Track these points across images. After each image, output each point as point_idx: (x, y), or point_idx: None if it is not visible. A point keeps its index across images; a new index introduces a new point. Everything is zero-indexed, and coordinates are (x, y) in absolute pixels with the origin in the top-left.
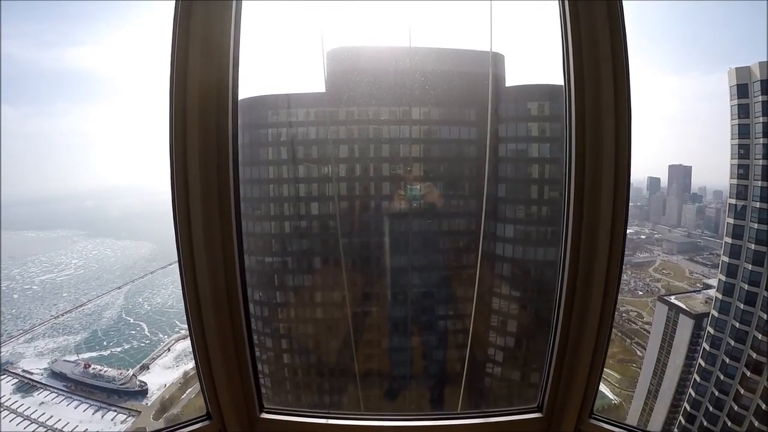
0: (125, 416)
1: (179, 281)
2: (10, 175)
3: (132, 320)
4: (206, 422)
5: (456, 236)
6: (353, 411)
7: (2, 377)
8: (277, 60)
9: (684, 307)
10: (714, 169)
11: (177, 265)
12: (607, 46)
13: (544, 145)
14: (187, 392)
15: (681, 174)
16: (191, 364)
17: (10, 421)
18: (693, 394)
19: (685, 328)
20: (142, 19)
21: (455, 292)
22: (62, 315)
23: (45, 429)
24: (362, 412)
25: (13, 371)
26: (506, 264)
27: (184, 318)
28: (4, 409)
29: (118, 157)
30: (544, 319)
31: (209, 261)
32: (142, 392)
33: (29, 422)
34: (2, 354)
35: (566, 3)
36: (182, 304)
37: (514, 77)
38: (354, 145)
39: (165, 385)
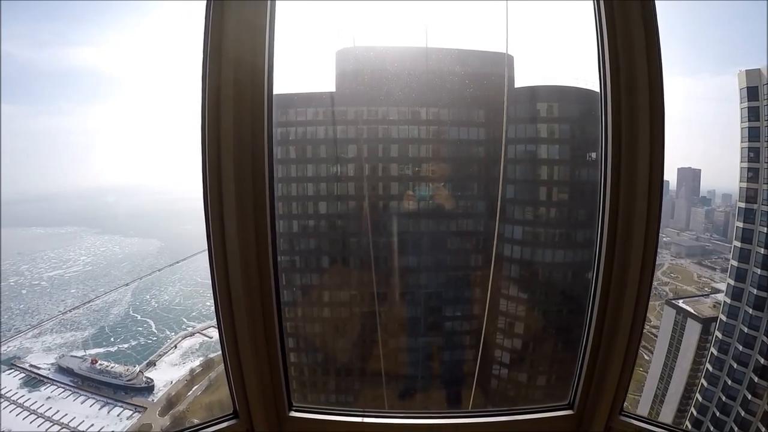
0: (131, 412)
1: (187, 279)
2: (15, 173)
3: (139, 317)
4: (232, 421)
5: (468, 237)
6: (382, 409)
7: (9, 372)
8: (287, 59)
9: (692, 311)
10: (723, 172)
11: (183, 263)
12: (642, 45)
13: (552, 146)
14: (193, 389)
15: (690, 177)
16: (198, 362)
17: (16, 416)
18: (700, 398)
19: (692, 332)
20: (149, 18)
21: (476, 293)
22: (70, 311)
23: (51, 423)
24: (391, 410)
25: (21, 366)
26: (515, 265)
27: (191, 315)
28: (11, 403)
29: (128, 155)
30: (553, 321)
31: (243, 256)
32: (149, 389)
33: (36, 416)
34: (10, 349)
35: (601, 3)
36: (189, 301)
37: (522, 78)
38: (363, 144)
39: (171, 382)
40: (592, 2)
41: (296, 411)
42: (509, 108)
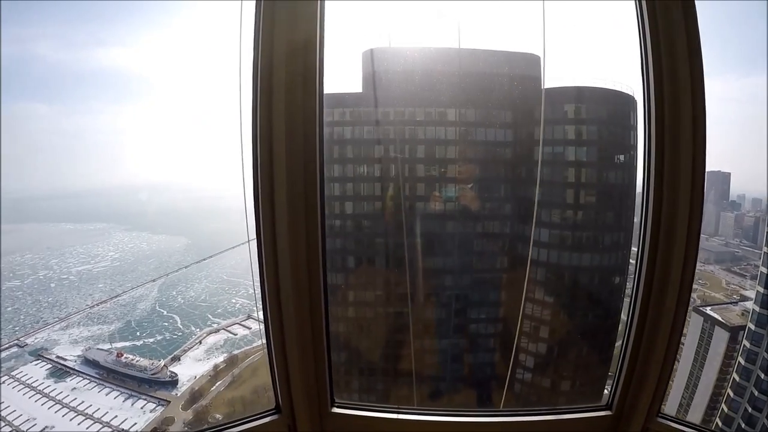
0: (155, 405)
1: (213, 276)
2: (46, 170)
3: (165, 312)
4: (275, 416)
5: (495, 238)
6: (423, 407)
7: (36, 362)
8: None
9: (720, 318)
10: (754, 176)
11: (210, 260)
12: (683, 44)
13: (580, 148)
14: (216, 385)
15: (719, 181)
16: (222, 358)
17: (41, 405)
18: (725, 409)
19: (720, 340)
20: (180, 18)
21: (504, 295)
22: (97, 305)
23: (75, 414)
24: (427, 407)
25: (48, 357)
26: (541, 268)
27: (217, 312)
28: (36, 393)
29: (158, 154)
30: (580, 324)
31: (293, 255)
32: (173, 383)
33: (60, 406)
34: (37, 340)
35: (643, 3)
36: (215, 298)
37: (549, 79)
38: (389, 145)
39: (195, 377)
40: (633, 2)
41: (338, 407)
42: (536, 109)
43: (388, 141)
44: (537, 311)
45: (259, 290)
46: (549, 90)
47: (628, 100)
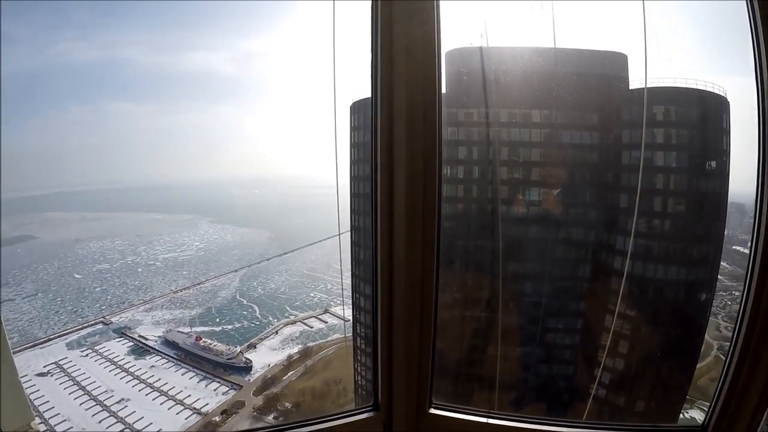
0: (227, 388)
1: (293, 270)
2: (139, 164)
3: (245, 301)
4: (371, 413)
5: (578, 246)
6: (517, 413)
7: (119, 339)
8: None
9: None
10: None
11: (292, 254)
12: None
13: (669, 153)
14: (288, 374)
15: None
16: (296, 349)
17: (120, 379)
18: None
19: None
20: (272, 21)
21: (588, 304)
22: (181, 290)
23: (151, 390)
24: (526, 415)
25: (130, 335)
26: (625, 280)
27: (295, 304)
28: (116, 367)
29: (247, 151)
30: (662, 341)
31: (408, 252)
32: (246, 369)
33: (138, 381)
34: (122, 320)
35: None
36: (294, 291)
37: (636, 79)
38: (473, 147)
39: (269, 365)
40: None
41: (435, 408)
42: (623, 111)
43: (471, 142)
44: (618, 324)
45: (347, 282)
46: (635, 90)
47: (720, 102)
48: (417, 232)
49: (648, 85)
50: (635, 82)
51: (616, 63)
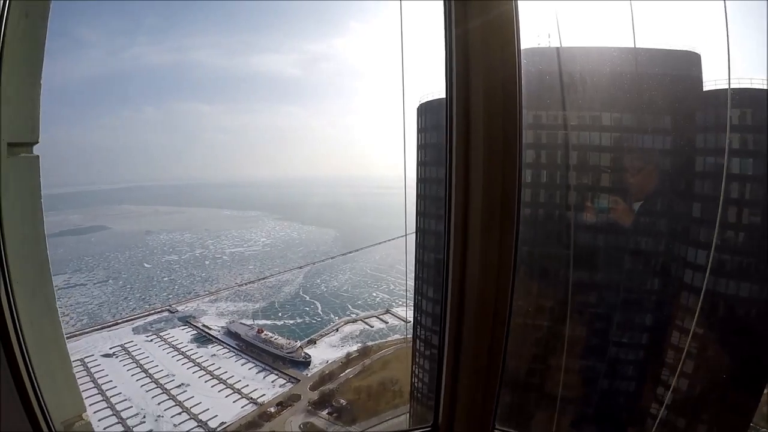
0: (285, 381)
1: (357, 269)
2: (211, 163)
3: (308, 298)
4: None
5: (647, 257)
6: None
7: (183, 328)
8: None
9: None
10: None
11: (356, 253)
12: None
13: (745, 159)
14: (345, 372)
15: None
16: (355, 347)
17: (182, 365)
18: None
19: None
20: (333, 23)
21: (654, 318)
22: (246, 284)
23: (210, 377)
24: None
25: (194, 324)
26: (694, 294)
27: (357, 303)
28: (179, 353)
29: (314, 151)
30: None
31: (482, 271)
32: (305, 363)
33: (198, 368)
34: (187, 309)
35: None
36: (357, 290)
37: (711, 80)
38: (541, 150)
39: (327, 362)
40: None
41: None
42: (698, 115)
43: (539, 146)
44: (684, 342)
45: (410, 283)
46: (709, 92)
47: None
48: (493, 247)
49: (725, 86)
50: (709, 82)
51: (689, 62)
